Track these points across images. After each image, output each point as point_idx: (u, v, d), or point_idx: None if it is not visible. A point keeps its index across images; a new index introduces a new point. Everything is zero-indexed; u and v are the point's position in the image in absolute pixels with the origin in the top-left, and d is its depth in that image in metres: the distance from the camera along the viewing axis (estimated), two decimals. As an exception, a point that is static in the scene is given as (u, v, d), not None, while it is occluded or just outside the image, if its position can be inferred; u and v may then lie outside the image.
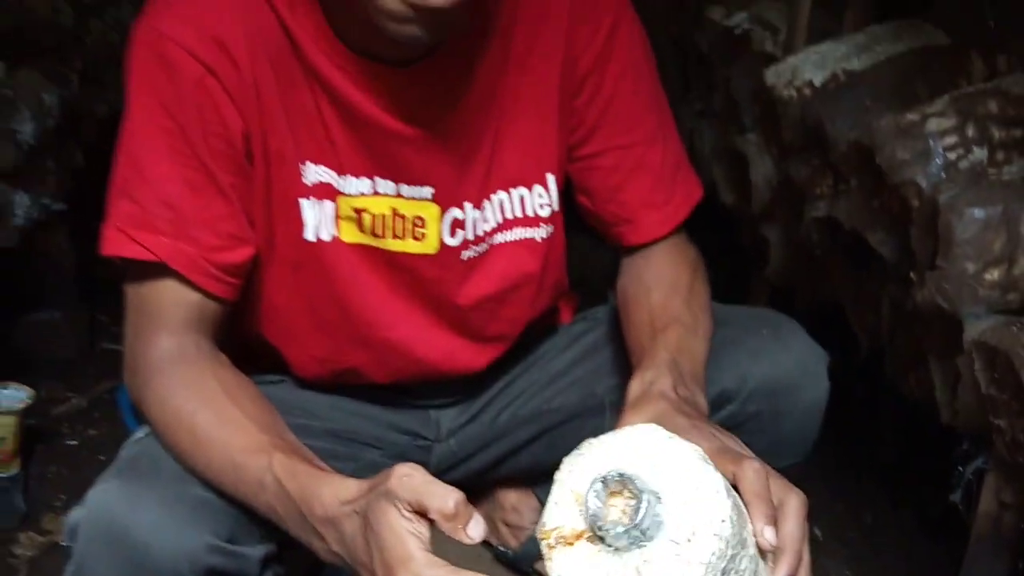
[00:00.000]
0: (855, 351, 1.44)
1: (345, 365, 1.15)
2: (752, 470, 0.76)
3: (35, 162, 1.98)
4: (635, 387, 0.94)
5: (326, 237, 1.05)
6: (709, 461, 0.71)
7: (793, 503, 0.77)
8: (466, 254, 1.11)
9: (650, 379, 0.93)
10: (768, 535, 0.73)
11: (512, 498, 1.40)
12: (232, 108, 0.97)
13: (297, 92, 1.00)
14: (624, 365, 1.09)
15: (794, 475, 0.90)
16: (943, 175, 1.13)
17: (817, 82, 1.46)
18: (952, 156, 1.14)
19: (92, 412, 2.02)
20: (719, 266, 1.34)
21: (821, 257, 1.45)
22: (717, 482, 0.69)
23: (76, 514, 0.93)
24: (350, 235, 1.06)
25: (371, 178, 1.04)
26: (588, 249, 1.46)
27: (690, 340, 1.02)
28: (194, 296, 0.99)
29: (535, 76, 1.07)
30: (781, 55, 1.71)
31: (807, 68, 1.49)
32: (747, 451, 0.82)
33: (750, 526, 0.73)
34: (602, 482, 0.68)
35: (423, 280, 1.11)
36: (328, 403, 1.18)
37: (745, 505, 0.74)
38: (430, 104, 1.02)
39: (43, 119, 1.95)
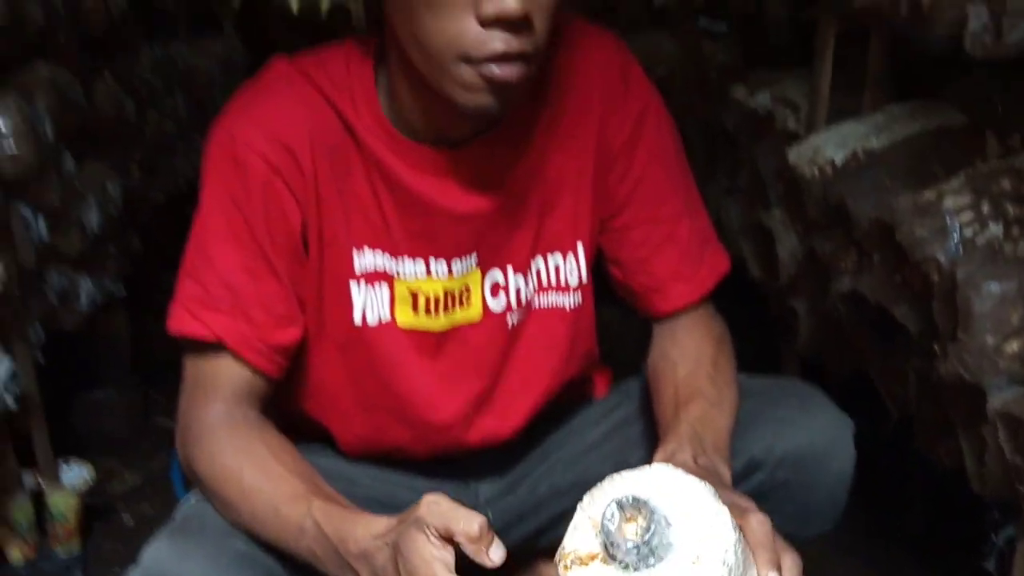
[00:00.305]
0: (886, 418, 1.48)
1: (387, 443, 1.22)
2: (756, 521, 0.81)
3: (98, 249, 2.09)
4: (657, 459, 1.00)
5: (374, 320, 1.12)
6: (718, 497, 0.77)
7: (789, 561, 0.82)
8: (511, 319, 1.18)
9: (671, 451, 0.99)
10: None
11: (552, 571, 1.44)
12: (293, 202, 1.07)
13: (355, 181, 1.09)
14: (656, 437, 1.15)
15: (824, 544, 0.94)
16: (960, 251, 1.18)
17: (838, 161, 1.52)
18: (969, 233, 1.20)
19: (146, 488, 2.09)
20: (751, 337, 1.38)
21: (848, 329, 1.49)
22: (724, 515, 0.75)
23: (132, 574, 1.00)
24: (405, 317, 1.13)
25: (425, 259, 1.11)
26: (620, 320, 1.52)
27: (713, 413, 1.07)
28: (245, 371, 1.08)
29: (573, 155, 1.15)
30: (803, 133, 1.78)
31: (828, 147, 1.55)
32: (754, 506, 0.87)
33: (755, 570, 0.78)
34: (618, 504, 0.73)
35: (470, 349, 1.17)
36: (368, 472, 1.24)
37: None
38: (481, 183, 1.10)
39: (107, 208, 2.07)
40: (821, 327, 1.66)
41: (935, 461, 1.34)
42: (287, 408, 1.20)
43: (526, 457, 1.33)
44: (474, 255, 1.13)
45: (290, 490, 1.00)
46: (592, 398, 1.38)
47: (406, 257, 1.11)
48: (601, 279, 1.25)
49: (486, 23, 0.91)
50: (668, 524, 0.73)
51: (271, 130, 1.05)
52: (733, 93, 2.11)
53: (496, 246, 1.14)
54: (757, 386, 1.20)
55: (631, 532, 0.73)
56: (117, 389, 2.32)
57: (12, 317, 1.70)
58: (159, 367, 2.51)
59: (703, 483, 0.78)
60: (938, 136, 1.46)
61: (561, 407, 1.30)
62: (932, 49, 1.59)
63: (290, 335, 1.10)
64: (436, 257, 1.12)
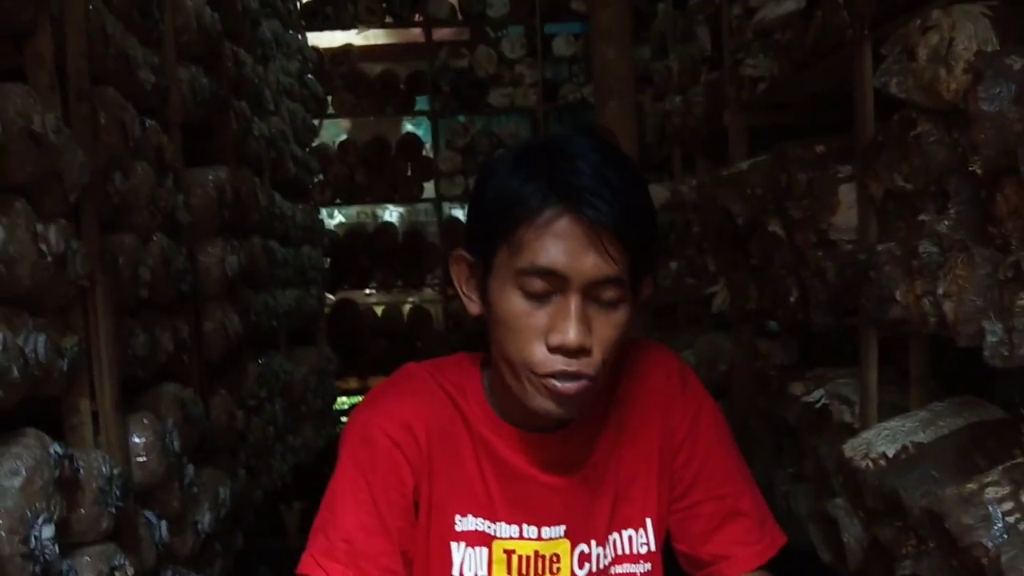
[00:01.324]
0: None
1: None
2: None
3: (207, 547, 2.27)
4: None
5: (471, 573, 1.28)
6: None
7: None
8: None
9: None
10: None
11: None
12: (409, 471, 1.27)
13: (463, 457, 1.29)
14: None
15: None
16: (1005, 537, 1.29)
17: (890, 454, 1.66)
18: (1011, 520, 1.31)
19: None
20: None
21: (919, 614, 1.57)
22: None
23: None
24: None
25: (519, 525, 1.29)
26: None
27: None
28: None
29: (641, 445, 1.34)
30: (858, 426, 1.93)
31: (880, 442, 1.70)
32: None
33: None
34: None
35: None
36: None
37: None
38: (566, 462, 1.30)
39: (218, 510, 2.27)
40: (895, 612, 1.73)
41: None
42: None
43: None
44: (563, 527, 1.30)
45: None
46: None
47: (503, 522, 1.29)
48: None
49: (552, 349, 1.16)
50: None
51: (396, 414, 1.28)
52: (792, 389, 2.29)
53: (581, 521, 1.31)
54: None
55: None
56: None
57: (133, 617, 1.85)
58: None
59: None
60: (979, 430, 1.60)
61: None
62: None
63: None
64: (528, 524, 1.29)
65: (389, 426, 1.27)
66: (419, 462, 1.28)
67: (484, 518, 1.29)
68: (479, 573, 1.29)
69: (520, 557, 1.30)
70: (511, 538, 1.29)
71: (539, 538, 1.29)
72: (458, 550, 1.29)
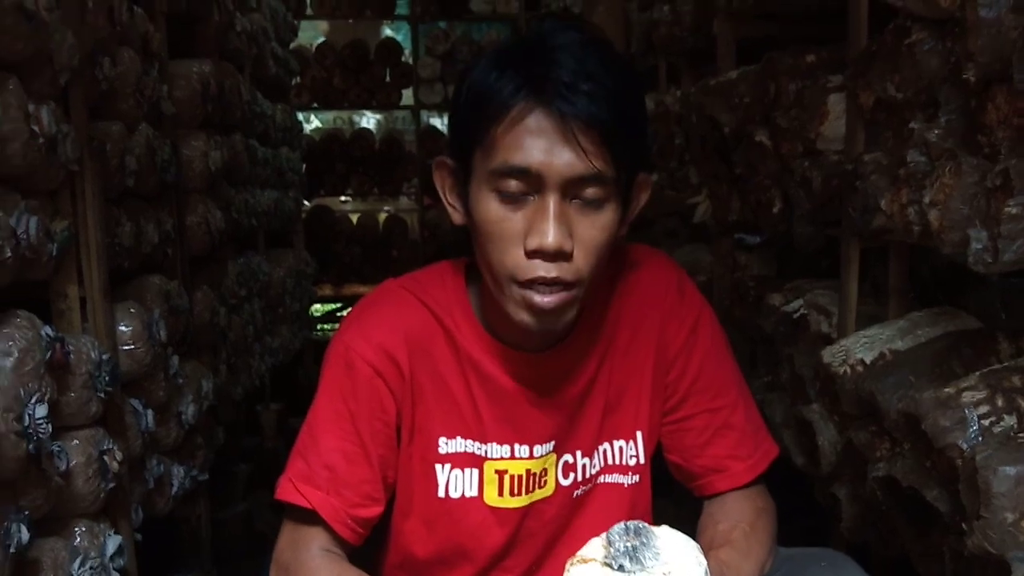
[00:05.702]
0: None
1: None
2: None
3: (190, 439, 2.29)
4: None
5: (458, 494, 1.29)
6: (701, 552, 0.99)
7: None
8: (577, 493, 1.34)
9: None
10: None
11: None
12: (391, 398, 1.27)
13: (450, 378, 1.28)
14: None
15: None
16: (979, 439, 1.34)
17: (868, 360, 1.70)
18: (986, 423, 1.35)
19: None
20: (799, 523, 1.50)
21: (886, 512, 1.63)
22: (700, 558, 0.97)
23: None
24: (492, 497, 1.30)
25: (511, 445, 1.29)
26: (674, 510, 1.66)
27: (739, 560, 1.18)
28: (332, 536, 1.26)
29: (634, 360, 1.34)
30: (835, 336, 1.97)
31: (858, 349, 1.74)
32: None
33: None
34: (625, 526, 0.97)
35: (543, 520, 1.32)
36: None
37: None
38: (557, 380, 1.30)
39: (201, 403, 2.29)
40: (863, 512, 1.79)
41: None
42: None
43: None
44: (551, 443, 1.31)
45: None
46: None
47: (494, 443, 1.29)
48: (658, 476, 1.41)
49: (529, 254, 1.14)
50: (657, 551, 0.95)
51: (375, 339, 1.27)
52: (770, 300, 2.32)
53: (569, 434, 1.32)
54: (792, 553, 1.31)
55: (627, 542, 0.95)
56: (194, 574, 2.45)
57: (120, 499, 1.88)
58: (232, 555, 2.65)
59: (692, 541, 0.99)
60: (957, 338, 1.65)
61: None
62: (947, 261, 1.81)
63: (372, 511, 1.28)
64: (520, 443, 1.30)
65: (370, 353, 1.26)
66: (400, 389, 1.27)
67: (473, 439, 1.29)
68: (467, 494, 1.30)
69: (512, 476, 1.30)
70: (502, 458, 1.30)
71: (531, 456, 1.30)
72: (443, 471, 1.29)
